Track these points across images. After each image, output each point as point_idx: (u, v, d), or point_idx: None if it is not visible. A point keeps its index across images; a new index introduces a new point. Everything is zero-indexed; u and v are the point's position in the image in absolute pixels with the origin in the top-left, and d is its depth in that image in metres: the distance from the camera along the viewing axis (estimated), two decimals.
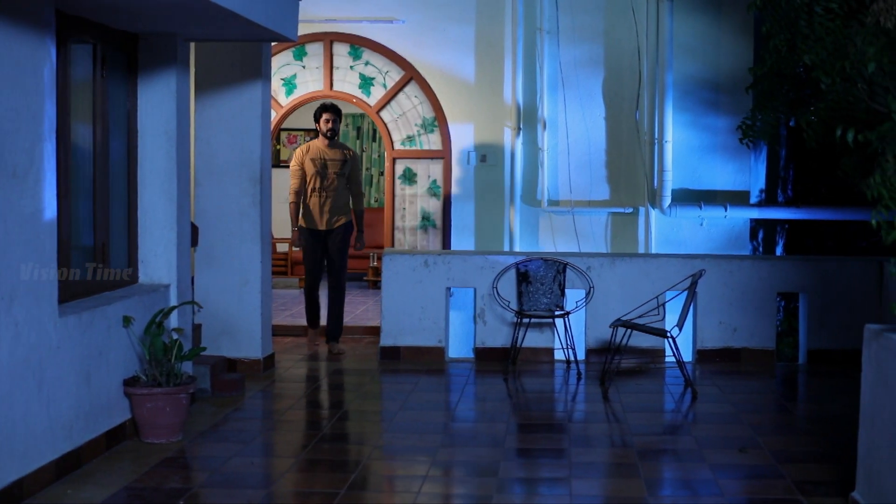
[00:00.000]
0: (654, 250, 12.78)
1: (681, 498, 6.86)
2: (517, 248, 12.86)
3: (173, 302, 8.63)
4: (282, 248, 18.56)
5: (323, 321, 12.00)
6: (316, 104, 14.98)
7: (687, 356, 11.14)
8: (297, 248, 11.97)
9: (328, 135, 11.44)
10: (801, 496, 6.60)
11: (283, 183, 20.06)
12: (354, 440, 8.13)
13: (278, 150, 20.61)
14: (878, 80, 5.78)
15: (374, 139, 19.34)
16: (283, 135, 20.55)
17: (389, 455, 7.77)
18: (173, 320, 8.55)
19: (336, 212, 11.52)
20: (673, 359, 10.03)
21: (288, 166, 20.29)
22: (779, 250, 14.00)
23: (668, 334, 9.82)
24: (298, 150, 11.64)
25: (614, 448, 8.02)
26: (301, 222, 11.66)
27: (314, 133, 20.39)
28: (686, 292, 10.00)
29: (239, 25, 8.22)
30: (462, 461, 7.58)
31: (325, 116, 11.43)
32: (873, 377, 5.87)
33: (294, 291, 17.80)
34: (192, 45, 10.20)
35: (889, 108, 5.43)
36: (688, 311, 9.82)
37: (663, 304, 10.46)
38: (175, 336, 8.21)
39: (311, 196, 11.51)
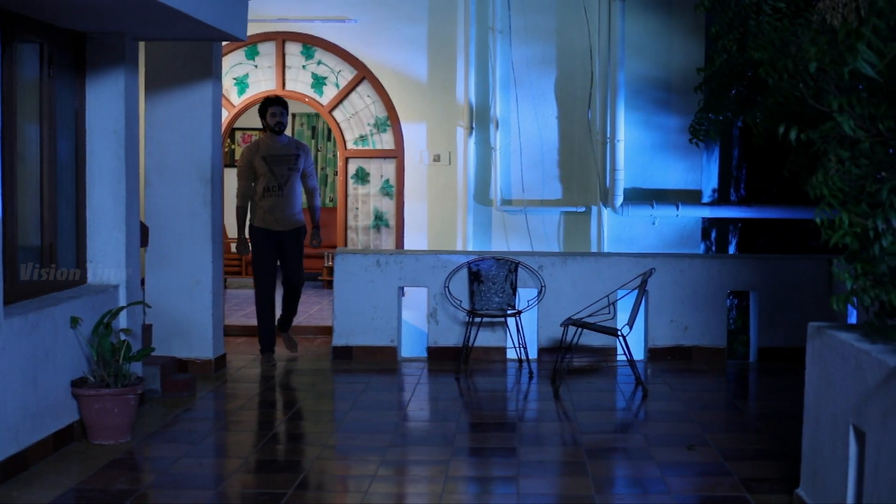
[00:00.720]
0: (606, 249, 12.82)
1: (628, 496, 6.89)
2: (470, 248, 12.87)
3: (122, 302, 8.59)
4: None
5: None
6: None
7: (639, 354, 11.19)
8: (243, 254, 11.26)
9: (276, 129, 10.80)
10: (747, 493, 6.65)
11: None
12: (304, 440, 8.11)
13: (233, 150, 20.55)
14: (820, 80, 5.81)
15: (328, 139, 19.33)
16: (238, 134, 20.49)
17: (339, 455, 7.76)
18: (122, 321, 8.52)
19: (292, 211, 10.85)
20: (625, 357, 10.07)
21: None
22: (732, 249, 14.07)
23: (619, 333, 9.86)
24: (246, 149, 10.95)
25: (564, 447, 8.04)
26: (254, 221, 10.90)
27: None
28: (637, 291, 10.04)
29: (187, 25, 8.19)
30: (412, 460, 7.60)
31: (270, 110, 10.78)
32: (816, 375, 5.91)
33: (248, 291, 17.77)
34: (143, 44, 10.18)
35: (831, 107, 5.46)
36: (638, 309, 9.85)
37: (614, 303, 10.49)
38: (123, 337, 8.17)
39: (263, 196, 10.72)
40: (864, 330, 5.49)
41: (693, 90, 9.01)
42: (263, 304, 11.00)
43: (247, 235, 11.07)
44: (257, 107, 11.06)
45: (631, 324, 9.80)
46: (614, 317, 10.52)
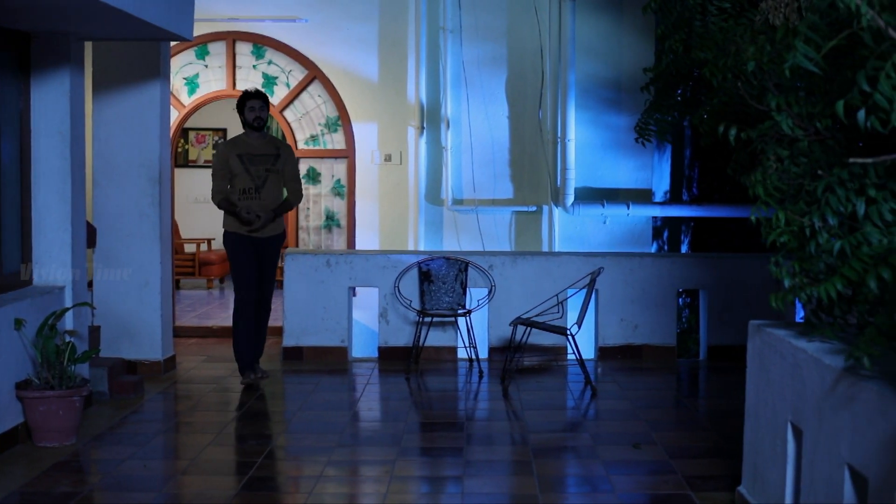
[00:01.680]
0: (557, 248, 12.84)
1: (573, 495, 6.92)
2: (422, 248, 12.86)
3: (68, 303, 8.55)
4: (189, 248, 18.47)
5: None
6: (220, 103, 14.93)
7: (589, 353, 11.24)
8: (254, 218, 9.71)
9: (255, 125, 9.92)
10: (690, 491, 6.68)
11: (192, 182, 20.20)
12: (252, 441, 8.05)
13: (186, 150, 20.49)
14: (759, 79, 5.84)
15: (280, 139, 19.27)
16: (192, 134, 20.43)
17: (286, 455, 7.74)
18: (68, 322, 8.48)
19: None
20: (574, 357, 10.09)
21: (197, 166, 20.53)
22: (684, 248, 14.12)
23: (568, 332, 9.88)
24: (221, 146, 10.08)
25: (511, 446, 8.04)
26: (229, 226, 9.92)
27: (222, 132, 20.52)
28: (585, 290, 10.07)
29: (132, 24, 8.15)
30: (358, 461, 7.58)
31: (248, 104, 9.90)
32: (756, 373, 5.95)
33: (201, 292, 17.74)
34: (90, 44, 10.13)
35: (769, 106, 5.49)
36: (586, 308, 9.87)
37: (562, 302, 10.52)
38: (68, 338, 8.12)
39: (239, 199, 9.81)
40: (803, 328, 5.52)
41: (640, 90, 9.03)
42: (242, 315, 10.00)
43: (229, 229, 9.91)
44: (235, 102, 10.14)
45: (579, 323, 9.82)
46: (563, 316, 10.55)
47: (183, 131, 20.27)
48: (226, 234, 9.98)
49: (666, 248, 13.87)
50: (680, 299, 13.22)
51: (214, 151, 9.94)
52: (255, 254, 9.91)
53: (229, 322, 13.79)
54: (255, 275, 9.94)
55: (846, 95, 4.51)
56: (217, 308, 15.78)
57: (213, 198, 9.96)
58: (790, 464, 5.36)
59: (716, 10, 7.67)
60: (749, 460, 6.13)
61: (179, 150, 20.45)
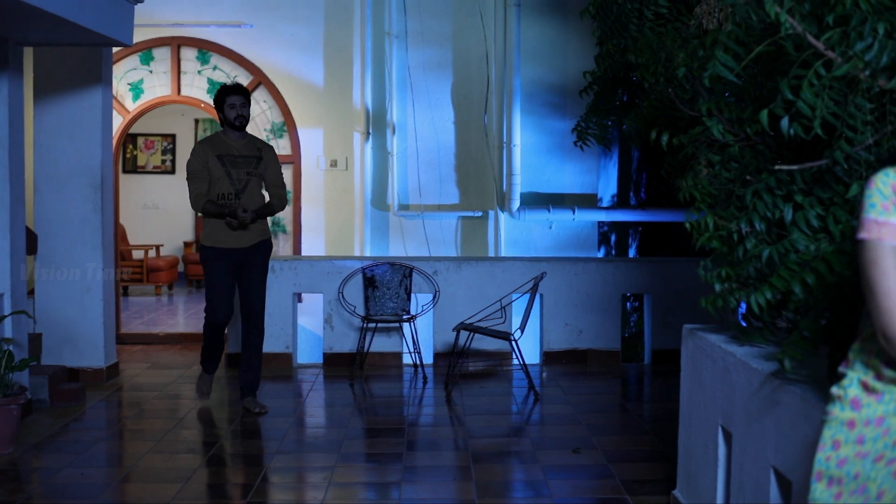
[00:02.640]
0: (503, 253, 12.85)
1: (510, 500, 6.91)
2: (368, 253, 12.84)
3: (7, 311, 8.49)
4: (138, 254, 18.39)
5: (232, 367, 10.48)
6: (169, 109, 14.88)
7: (534, 358, 11.27)
8: (242, 217, 8.81)
9: (237, 124, 8.95)
10: (627, 495, 6.71)
11: (141, 188, 20.15)
12: (191, 449, 8.02)
13: (135, 156, 20.41)
14: (693, 84, 5.87)
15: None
16: (141, 140, 20.35)
17: (226, 462, 7.71)
18: (6, 330, 8.41)
19: (254, 224, 9.08)
20: (519, 361, 10.11)
21: (146, 172, 20.46)
22: (632, 252, 14.16)
23: (511, 337, 9.89)
24: (197, 147, 9.03)
25: (451, 451, 8.02)
26: (210, 240, 8.98)
27: (171, 138, 20.46)
28: (528, 295, 10.10)
29: (69, 30, 8.11)
30: (296, 467, 7.55)
31: (228, 101, 8.95)
32: (690, 377, 5.98)
33: (149, 298, 17.67)
34: (31, 50, 10.08)
35: (700, 111, 5.53)
36: (529, 313, 9.89)
37: (505, 307, 10.53)
38: (6, 346, 8.06)
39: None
40: (734, 332, 5.56)
41: (579, 94, 9.05)
42: (212, 339, 9.34)
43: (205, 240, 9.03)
44: (213, 98, 9.23)
45: (522, 328, 9.83)
46: (507, 321, 10.57)
47: (132, 137, 20.21)
48: (203, 250, 9.03)
49: (613, 252, 13.91)
50: (628, 303, 13.28)
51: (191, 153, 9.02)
52: (234, 271, 9.03)
53: (176, 329, 13.86)
54: (230, 292, 9.04)
55: (770, 103, 4.56)
56: (164, 315, 15.72)
57: (194, 204, 8.92)
58: (721, 467, 5.39)
59: (652, 14, 7.69)
60: (683, 463, 6.16)
61: (128, 155, 20.39)
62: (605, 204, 13.47)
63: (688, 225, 5.48)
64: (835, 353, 4.22)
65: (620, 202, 13.68)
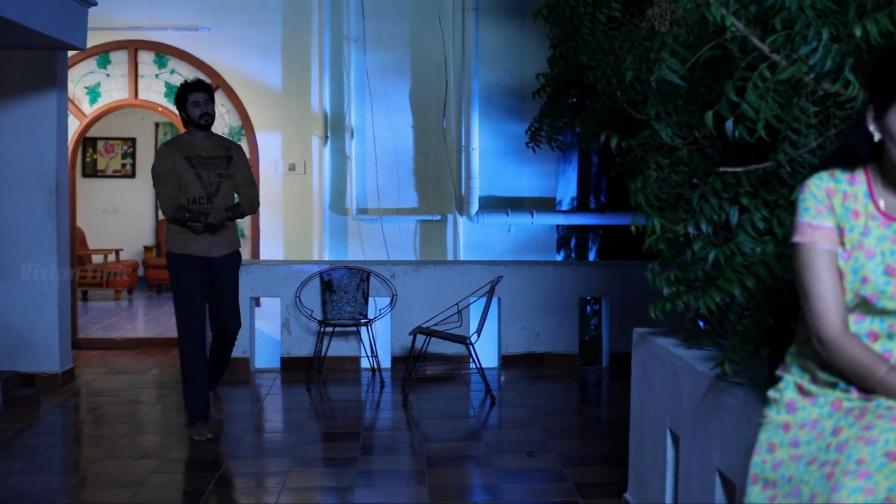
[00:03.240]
0: (462, 257, 12.84)
1: None
2: (326, 257, 12.80)
3: None
4: (97, 258, 18.28)
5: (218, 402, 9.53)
6: (129, 113, 14.77)
7: (493, 362, 11.26)
8: (217, 219, 8.19)
9: (202, 122, 8.36)
10: (580, 498, 6.71)
11: (101, 192, 20.03)
12: (145, 454, 7.96)
13: (95, 160, 20.30)
14: (638, 88, 5.88)
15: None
16: (100, 144, 20.24)
17: (179, 468, 7.64)
18: None
19: (224, 231, 8.49)
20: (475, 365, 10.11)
21: (106, 176, 20.34)
22: (591, 256, 14.18)
23: (468, 340, 9.88)
24: (163, 149, 8.38)
25: (405, 455, 7.99)
26: (172, 247, 8.34)
27: (131, 142, 20.35)
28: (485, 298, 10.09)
29: (20, 33, 8.08)
30: (250, 472, 7.52)
31: (192, 98, 8.36)
32: (640, 380, 5.98)
33: (109, 303, 17.58)
34: None
35: (648, 115, 5.53)
36: (485, 317, 9.89)
37: (461, 311, 10.52)
38: None
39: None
40: (683, 335, 5.56)
41: (532, 96, 9.05)
42: (192, 357, 8.38)
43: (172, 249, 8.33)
44: (175, 95, 8.52)
45: (479, 331, 9.83)
46: (463, 324, 10.56)
47: (91, 141, 20.09)
48: (170, 257, 8.34)
49: (573, 256, 13.92)
50: (588, 307, 13.29)
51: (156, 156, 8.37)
52: (205, 279, 8.43)
53: (135, 333, 13.75)
54: (202, 305, 8.41)
55: (717, 106, 4.57)
56: (124, 319, 15.64)
57: (164, 209, 8.26)
58: (669, 470, 5.39)
59: (605, 17, 7.71)
60: (634, 467, 6.16)
61: (88, 159, 20.28)
62: (564, 207, 13.48)
63: (633, 228, 5.48)
64: (775, 356, 4.23)
65: (580, 206, 13.69)
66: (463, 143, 12.69)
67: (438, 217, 13.03)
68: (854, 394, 3.10)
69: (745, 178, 4.79)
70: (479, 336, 9.89)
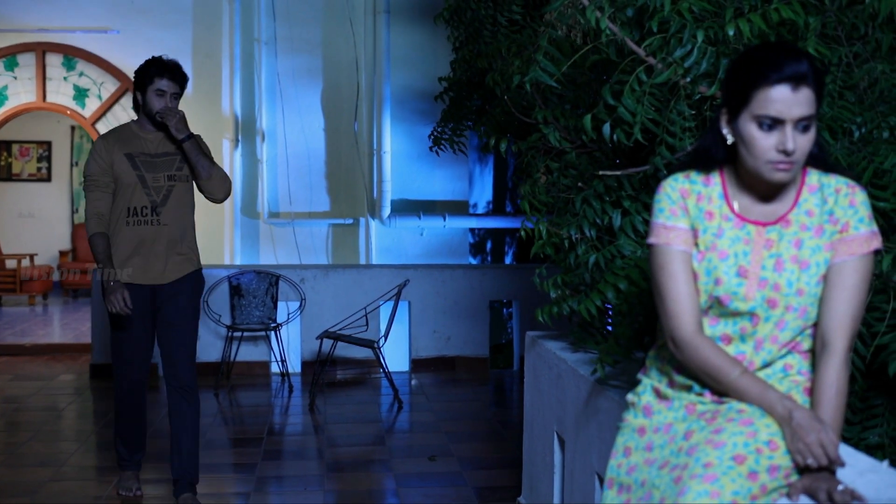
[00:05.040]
0: (374, 261, 12.79)
1: None
2: (238, 262, 12.71)
3: None
4: (11, 263, 18.04)
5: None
6: (39, 116, 14.60)
7: (404, 365, 11.24)
8: (123, 301, 6.14)
9: (160, 117, 6.31)
10: (477, 502, 6.71)
11: (17, 196, 19.79)
12: (43, 462, 7.80)
13: (10, 164, 20.06)
14: (527, 92, 5.87)
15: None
16: (15, 147, 20.00)
17: (75, 475, 7.53)
18: None
19: (177, 249, 6.47)
20: (388, 369, 10.09)
21: (21, 179, 20.12)
22: (508, 260, 14.20)
23: (375, 345, 9.85)
24: (100, 144, 6.43)
25: (307, 461, 7.94)
26: (110, 274, 6.23)
27: (46, 145, 20.10)
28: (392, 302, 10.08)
29: None
30: (150, 479, 7.37)
31: (158, 85, 6.30)
32: (531, 383, 5.98)
33: (23, 309, 17.37)
34: None
35: (536, 119, 5.53)
36: (392, 321, 9.86)
37: (368, 315, 10.47)
38: None
39: (127, 224, 6.36)
40: (571, 339, 5.57)
41: (434, 99, 9.03)
42: (127, 404, 6.71)
43: (115, 274, 6.27)
44: (134, 72, 6.49)
45: (385, 335, 9.81)
46: (369, 328, 10.51)
47: (6, 144, 19.85)
48: (101, 283, 6.35)
49: (489, 259, 13.93)
50: (505, 310, 13.29)
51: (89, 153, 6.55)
52: (149, 310, 6.48)
53: (48, 339, 13.61)
54: (146, 344, 6.54)
55: (594, 109, 4.57)
56: (37, 325, 15.47)
57: (88, 225, 6.34)
58: (557, 473, 5.40)
59: (506, 20, 7.69)
60: (527, 470, 6.17)
61: (2, 163, 20.03)
62: (480, 211, 13.48)
63: (522, 233, 5.48)
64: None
65: (496, 209, 13.69)
66: (375, 147, 12.64)
67: (350, 221, 12.99)
68: (708, 397, 3.11)
69: (627, 181, 4.80)
70: (385, 339, 9.86)
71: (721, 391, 3.07)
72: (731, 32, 4.08)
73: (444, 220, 12.70)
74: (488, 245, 13.97)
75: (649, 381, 3.29)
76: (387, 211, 12.56)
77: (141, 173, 6.33)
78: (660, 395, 3.23)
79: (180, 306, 6.50)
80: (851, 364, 3.71)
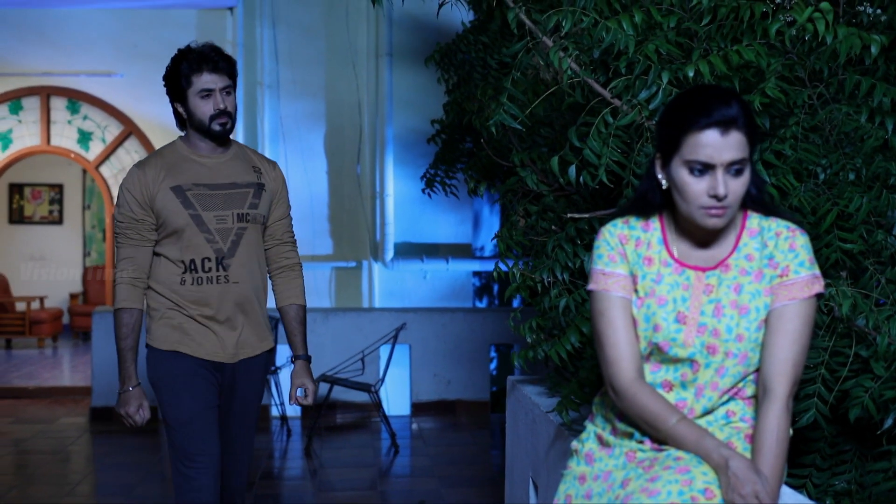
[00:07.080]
0: (377, 304, 12.75)
1: None
2: None
3: None
4: (21, 306, 18.07)
5: None
6: (51, 159, 14.68)
7: (404, 409, 11.19)
8: (131, 418, 4.63)
9: (216, 129, 4.69)
10: None
11: (28, 239, 19.84)
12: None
13: (21, 206, 20.13)
14: (503, 136, 5.86)
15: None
16: (27, 190, 20.07)
17: None
18: None
19: (251, 318, 4.82)
20: (388, 413, 10.05)
21: (33, 222, 20.18)
22: (516, 303, 14.13)
23: (372, 388, 9.81)
24: (132, 177, 4.72)
25: None
26: (156, 342, 4.64)
27: (58, 188, 20.18)
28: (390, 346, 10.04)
29: None
30: None
31: (201, 82, 4.63)
32: (511, 428, 5.94)
33: (32, 351, 17.38)
34: None
35: (513, 162, 5.51)
36: (388, 364, 9.83)
37: (364, 358, 10.42)
38: None
39: (182, 283, 4.66)
40: (549, 383, 5.53)
41: (426, 141, 9.03)
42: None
43: (133, 377, 4.64)
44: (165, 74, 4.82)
45: (382, 379, 9.77)
46: (365, 372, 10.46)
47: (18, 187, 19.92)
48: (151, 354, 4.69)
49: (496, 302, 13.87)
50: (512, 352, 13.22)
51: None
52: (214, 392, 4.71)
53: (55, 381, 13.52)
54: (213, 437, 4.64)
55: (561, 151, 4.55)
56: (44, 367, 15.46)
57: (117, 286, 4.67)
58: None
59: (496, 63, 7.70)
60: None
61: (14, 206, 20.11)
62: (488, 253, 13.43)
63: (495, 274, 5.45)
64: None
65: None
66: (378, 189, 12.63)
67: (354, 264, 12.96)
68: (648, 444, 3.07)
69: (598, 223, 4.77)
70: (382, 383, 9.82)
71: (660, 439, 3.03)
72: (690, 74, 4.05)
73: (447, 262, 12.66)
74: (494, 288, 13.92)
75: (594, 428, 3.25)
76: (390, 254, 12.53)
77: (196, 212, 4.63)
78: (603, 442, 3.18)
79: (247, 398, 4.89)
80: (815, 410, 3.67)
